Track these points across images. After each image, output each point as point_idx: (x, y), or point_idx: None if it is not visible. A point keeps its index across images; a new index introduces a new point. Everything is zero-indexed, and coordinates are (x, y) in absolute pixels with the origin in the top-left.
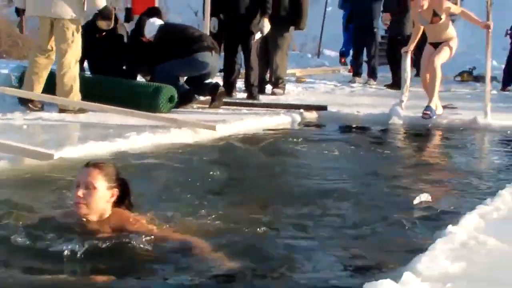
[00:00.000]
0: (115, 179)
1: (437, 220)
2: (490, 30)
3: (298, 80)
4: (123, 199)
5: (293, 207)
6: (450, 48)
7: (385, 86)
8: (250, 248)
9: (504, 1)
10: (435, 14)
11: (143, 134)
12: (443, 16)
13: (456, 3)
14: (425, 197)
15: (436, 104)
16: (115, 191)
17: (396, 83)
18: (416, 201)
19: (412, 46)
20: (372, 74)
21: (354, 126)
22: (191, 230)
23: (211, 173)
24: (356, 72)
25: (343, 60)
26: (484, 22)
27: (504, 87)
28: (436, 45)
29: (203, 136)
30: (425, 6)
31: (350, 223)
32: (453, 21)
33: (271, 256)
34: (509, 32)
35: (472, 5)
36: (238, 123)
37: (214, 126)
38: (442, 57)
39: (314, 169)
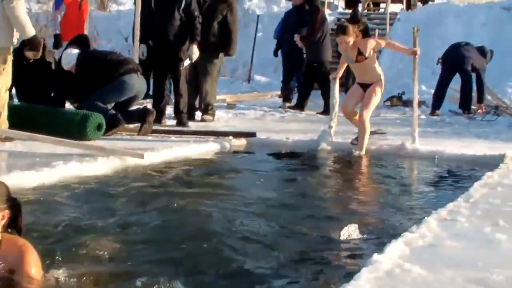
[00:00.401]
0: (6, 200)
1: (362, 249)
2: (417, 56)
3: (229, 106)
4: (14, 222)
5: (209, 241)
6: (378, 93)
7: (317, 113)
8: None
9: (431, 30)
10: (360, 53)
11: (71, 163)
12: (369, 55)
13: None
14: (352, 228)
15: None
16: (6, 213)
17: (325, 110)
18: (343, 233)
19: (340, 73)
20: (303, 100)
21: (283, 152)
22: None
23: (127, 202)
24: (287, 98)
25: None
26: (411, 49)
27: (432, 112)
28: (363, 86)
29: (131, 164)
30: (351, 43)
31: (271, 251)
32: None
33: None
34: (440, 60)
35: (400, 33)
36: (166, 151)
37: (142, 154)
38: (371, 109)
39: (235, 196)
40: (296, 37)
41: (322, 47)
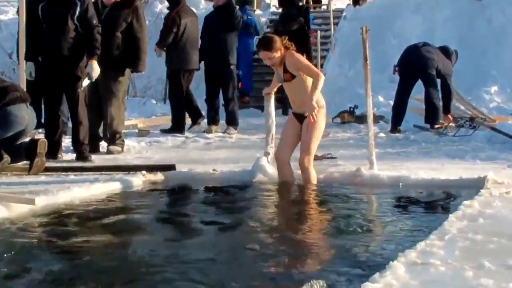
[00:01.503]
0: None
1: None
2: (367, 61)
3: (141, 133)
4: None
5: None
6: (318, 127)
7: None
8: None
9: (385, 28)
10: (286, 70)
11: None
12: (297, 73)
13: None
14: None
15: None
16: None
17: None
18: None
19: (272, 89)
20: (232, 121)
21: (209, 187)
22: None
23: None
24: (213, 120)
25: (245, 100)
26: (312, 94)
27: (393, 128)
28: (299, 117)
29: (20, 211)
30: (275, 60)
31: None
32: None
33: None
34: (396, 68)
35: (346, 33)
36: (63, 193)
37: (33, 200)
38: (313, 152)
39: (144, 252)
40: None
41: (181, 53)
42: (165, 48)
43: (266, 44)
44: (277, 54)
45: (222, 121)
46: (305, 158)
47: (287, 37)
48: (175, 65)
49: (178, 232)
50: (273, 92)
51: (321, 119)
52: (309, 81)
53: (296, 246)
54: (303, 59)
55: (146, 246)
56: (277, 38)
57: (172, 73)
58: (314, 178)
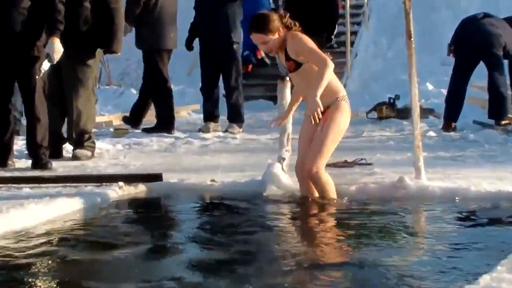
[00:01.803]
0: None
1: None
2: (411, 39)
3: (117, 133)
4: None
5: None
6: (333, 128)
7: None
8: None
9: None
10: (288, 57)
11: None
12: (301, 59)
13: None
14: None
15: None
16: None
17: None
18: None
19: (288, 113)
20: (236, 116)
21: (206, 203)
22: None
23: None
24: (210, 115)
25: (248, 69)
26: (314, 97)
27: (446, 125)
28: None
29: None
30: (271, 43)
31: None
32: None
33: None
34: (451, 48)
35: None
36: (14, 211)
37: None
38: (325, 156)
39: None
40: None
41: (155, 30)
42: (134, 24)
43: (259, 23)
44: (274, 36)
45: (223, 117)
46: (314, 161)
47: (288, 14)
48: (147, 44)
49: (161, 272)
50: (287, 79)
51: (341, 115)
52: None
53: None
54: (306, 40)
55: None
56: (274, 16)
57: (144, 55)
58: (330, 185)
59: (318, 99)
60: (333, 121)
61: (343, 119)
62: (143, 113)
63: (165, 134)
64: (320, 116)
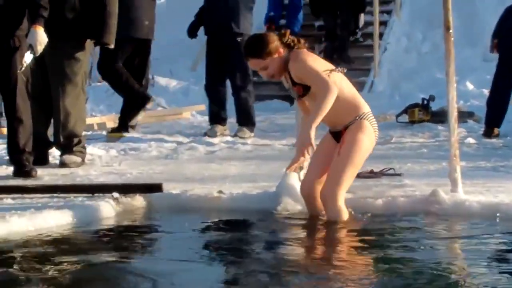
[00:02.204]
0: None
1: None
2: (450, 31)
3: (111, 137)
4: None
5: None
6: (355, 151)
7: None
8: None
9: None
10: (294, 82)
11: None
12: (310, 82)
13: None
14: None
15: None
16: None
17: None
18: None
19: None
20: (246, 119)
21: (213, 217)
22: None
23: None
24: (217, 117)
25: (272, 26)
26: (307, 130)
27: (489, 130)
28: (336, 136)
29: None
30: (270, 69)
31: None
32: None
33: None
34: (494, 41)
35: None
36: None
37: None
38: (345, 184)
39: None
40: None
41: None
42: None
43: (254, 47)
44: (273, 60)
45: (232, 120)
46: (332, 191)
47: (288, 31)
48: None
49: None
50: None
51: (363, 135)
52: (340, 77)
53: None
54: (307, 62)
55: None
56: (271, 37)
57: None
58: (346, 215)
59: (311, 133)
60: (353, 143)
61: (365, 140)
62: (129, 114)
63: (166, 137)
64: (309, 152)
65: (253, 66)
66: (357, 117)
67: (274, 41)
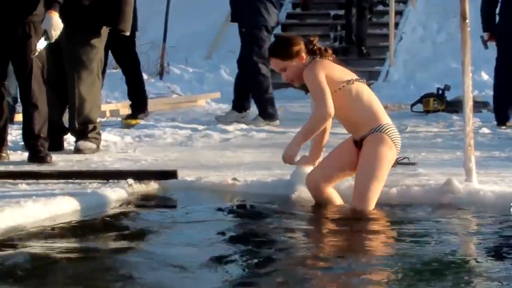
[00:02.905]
0: None
1: None
2: (466, 21)
3: (126, 123)
4: None
5: None
6: (384, 162)
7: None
8: None
9: None
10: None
11: None
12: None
13: None
14: None
15: None
16: None
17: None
18: None
19: (315, 158)
20: (262, 113)
21: (227, 204)
22: None
23: None
24: (237, 104)
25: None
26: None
27: (501, 121)
28: (359, 144)
29: None
30: (289, 72)
31: None
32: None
33: None
34: (488, 34)
35: None
36: (10, 210)
37: None
38: (372, 199)
39: None
40: None
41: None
42: None
43: (277, 47)
44: (293, 63)
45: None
46: (362, 210)
47: (317, 38)
48: None
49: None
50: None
51: (382, 147)
52: (358, 88)
53: None
54: (319, 75)
55: None
56: (296, 40)
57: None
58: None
59: (295, 148)
60: (375, 158)
61: (386, 152)
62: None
63: (181, 124)
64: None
65: (273, 66)
66: (373, 130)
67: (298, 45)
